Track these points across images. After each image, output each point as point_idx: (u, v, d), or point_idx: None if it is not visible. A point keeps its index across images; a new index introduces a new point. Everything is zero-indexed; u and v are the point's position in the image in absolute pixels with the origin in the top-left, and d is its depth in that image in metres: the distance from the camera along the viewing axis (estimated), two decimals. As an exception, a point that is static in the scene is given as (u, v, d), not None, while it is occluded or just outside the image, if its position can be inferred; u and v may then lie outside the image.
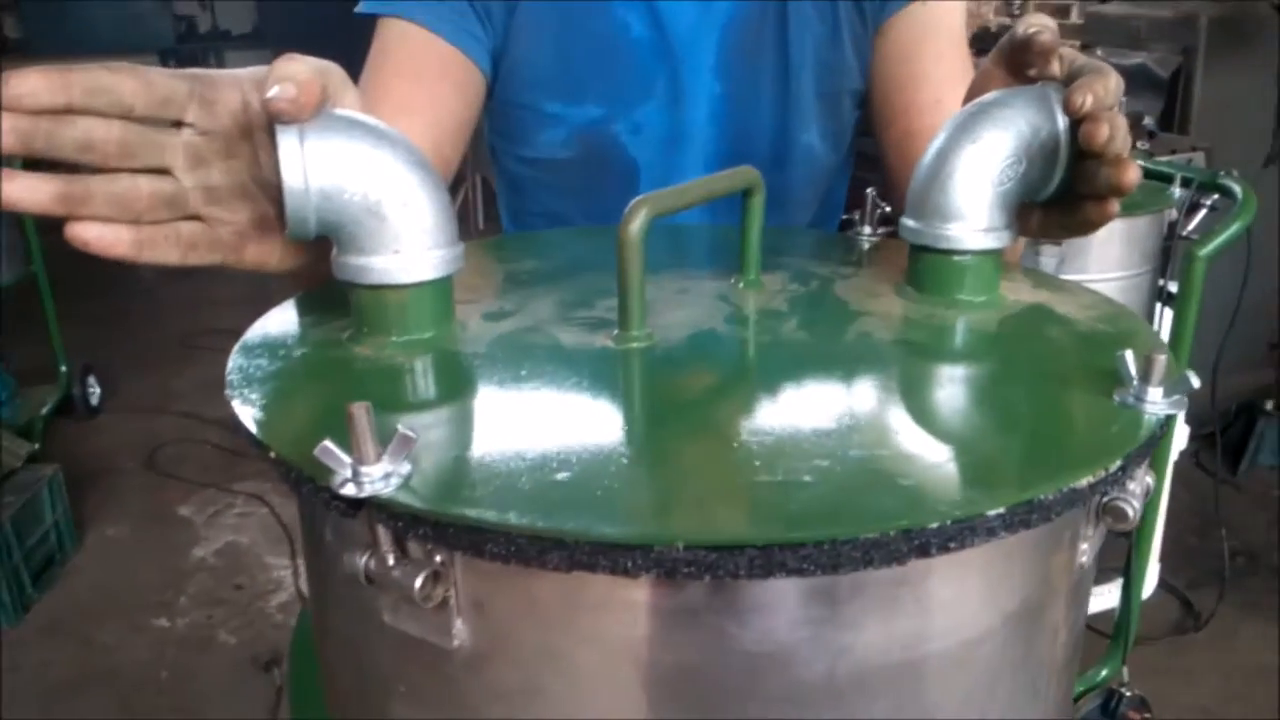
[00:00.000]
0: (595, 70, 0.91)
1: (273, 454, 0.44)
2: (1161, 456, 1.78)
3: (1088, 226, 0.60)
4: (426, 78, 0.86)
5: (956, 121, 0.59)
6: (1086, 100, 0.55)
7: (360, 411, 0.40)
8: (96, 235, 0.50)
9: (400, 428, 0.40)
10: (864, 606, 0.42)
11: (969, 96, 0.65)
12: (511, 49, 0.90)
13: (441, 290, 0.55)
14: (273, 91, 0.50)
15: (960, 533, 0.38)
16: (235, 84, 0.54)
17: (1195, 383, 0.47)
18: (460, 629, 0.43)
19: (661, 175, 0.93)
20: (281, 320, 0.59)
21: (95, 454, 3.12)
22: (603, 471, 0.41)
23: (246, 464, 3.03)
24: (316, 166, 0.50)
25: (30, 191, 0.48)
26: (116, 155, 0.50)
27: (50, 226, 0.53)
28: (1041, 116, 0.58)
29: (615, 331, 0.55)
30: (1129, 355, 0.48)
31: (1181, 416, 1.87)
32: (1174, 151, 2.32)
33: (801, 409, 0.48)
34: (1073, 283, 0.66)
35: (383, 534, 0.42)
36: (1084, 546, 0.49)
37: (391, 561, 0.42)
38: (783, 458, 0.42)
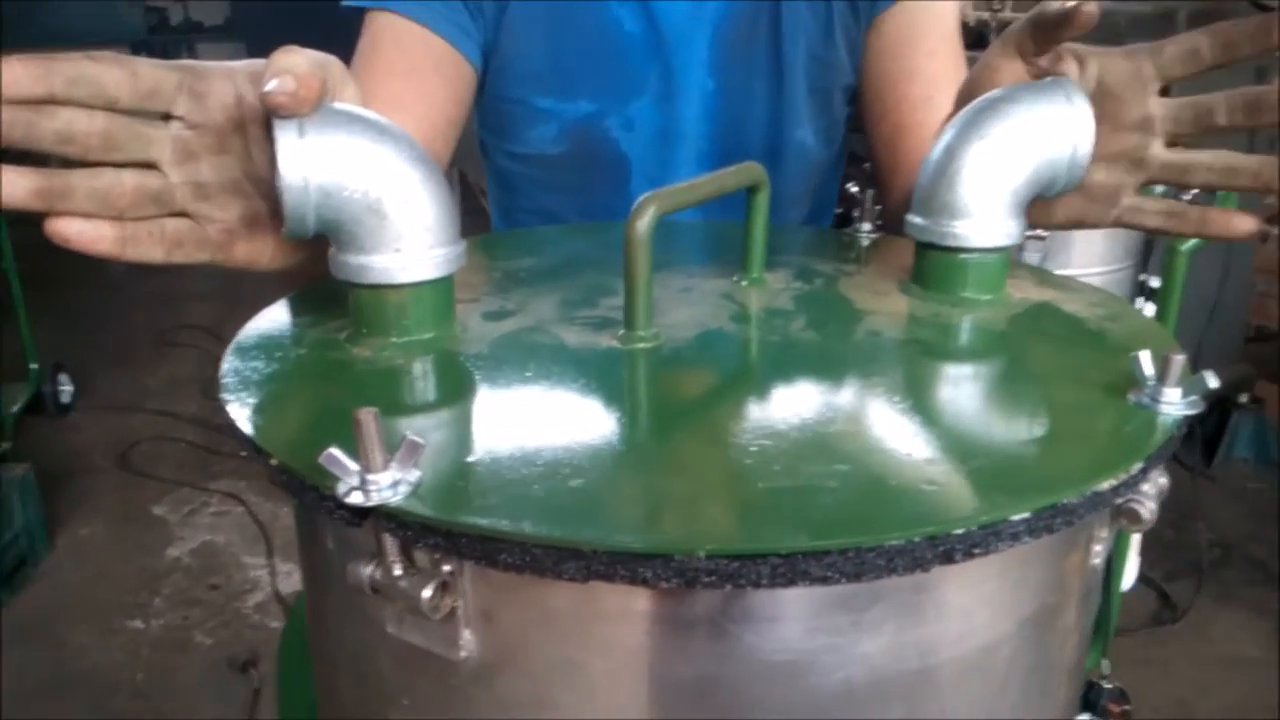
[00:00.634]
0: (587, 66, 0.89)
1: (273, 461, 0.43)
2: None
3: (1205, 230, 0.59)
4: (418, 73, 0.85)
5: (966, 117, 0.59)
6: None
7: (368, 417, 0.39)
8: (78, 232, 0.48)
9: (408, 434, 0.39)
10: (882, 614, 0.41)
11: (966, 91, 0.65)
12: (503, 44, 0.89)
13: (443, 290, 0.54)
14: (271, 85, 0.48)
15: (985, 538, 0.38)
16: (228, 76, 0.52)
17: (1213, 383, 0.46)
18: (468, 640, 0.42)
19: (654, 171, 0.92)
20: (275, 321, 0.58)
21: (67, 453, 3.07)
22: (618, 478, 0.40)
23: (222, 462, 3.00)
24: (316, 163, 0.49)
25: (8, 185, 0.46)
26: (99, 148, 0.48)
27: (20, 221, 0.51)
28: (1053, 110, 0.57)
29: (621, 331, 0.54)
30: (1145, 356, 0.47)
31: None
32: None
33: (817, 411, 0.47)
34: (1074, 279, 0.65)
35: (389, 544, 0.41)
36: (1097, 548, 0.49)
37: (398, 571, 0.41)
38: (802, 462, 0.41)
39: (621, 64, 0.89)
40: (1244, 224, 0.58)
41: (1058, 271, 1.74)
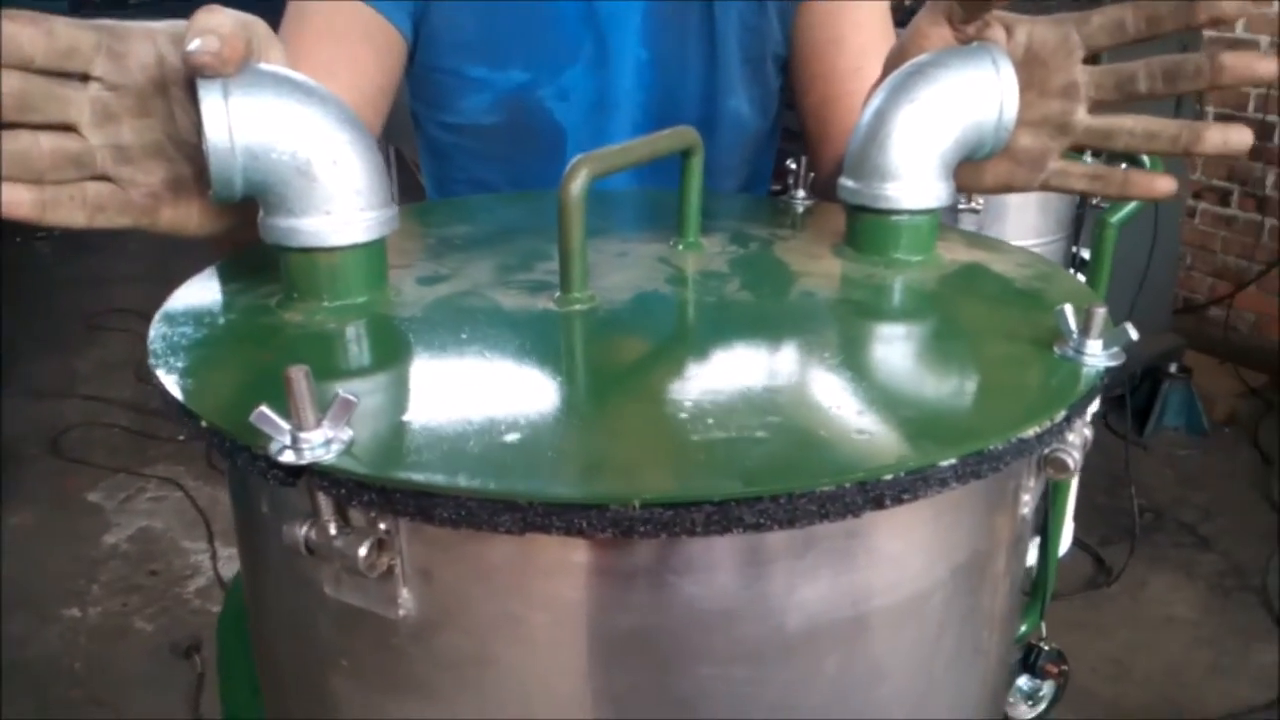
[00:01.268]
0: (520, 35, 0.89)
1: (203, 423, 0.42)
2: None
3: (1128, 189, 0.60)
4: (346, 41, 0.83)
5: (894, 82, 0.59)
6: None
7: (299, 375, 0.38)
8: None
9: (340, 392, 0.39)
10: (816, 561, 0.41)
11: (894, 57, 0.65)
12: (433, 12, 0.88)
13: (375, 253, 0.54)
14: (194, 45, 0.47)
15: (914, 483, 0.39)
16: (148, 36, 0.51)
17: (1133, 334, 0.48)
18: (406, 598, 0.42)
19: (588, 141, 0.91)
20: (204, 288, 0.57)
21: (-6, 440, 3.00)
22: (553, 433, 0.40)
23: (158, 446, 2.94)
24: (242, 124, 0.48)
25: None
26: (15, 109, 0.47)
27: None
28: (980, 75, 0.58)
29: (557, 294, 0.54)
30: (1069, 309, 0.48)
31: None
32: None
33: (750, 368, 0.47)
34: (1004, 242, 0.66)
35: (324, 502, 0.40)
36: (1026, 498, 0.50)
37: (333, 531, 0.41)
38: (735, 416, 0.41)
39: (554, 33, 0.89)
40: (1165, 184, 0.59)
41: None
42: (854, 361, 0.48)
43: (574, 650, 0.42)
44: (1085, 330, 0.48)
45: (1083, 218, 1.79)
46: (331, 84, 0.81)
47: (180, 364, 0.47)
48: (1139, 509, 2.45)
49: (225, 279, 0.58)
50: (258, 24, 0.52)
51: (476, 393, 0.45)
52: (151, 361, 0.48)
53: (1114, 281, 1.76)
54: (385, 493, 0.38)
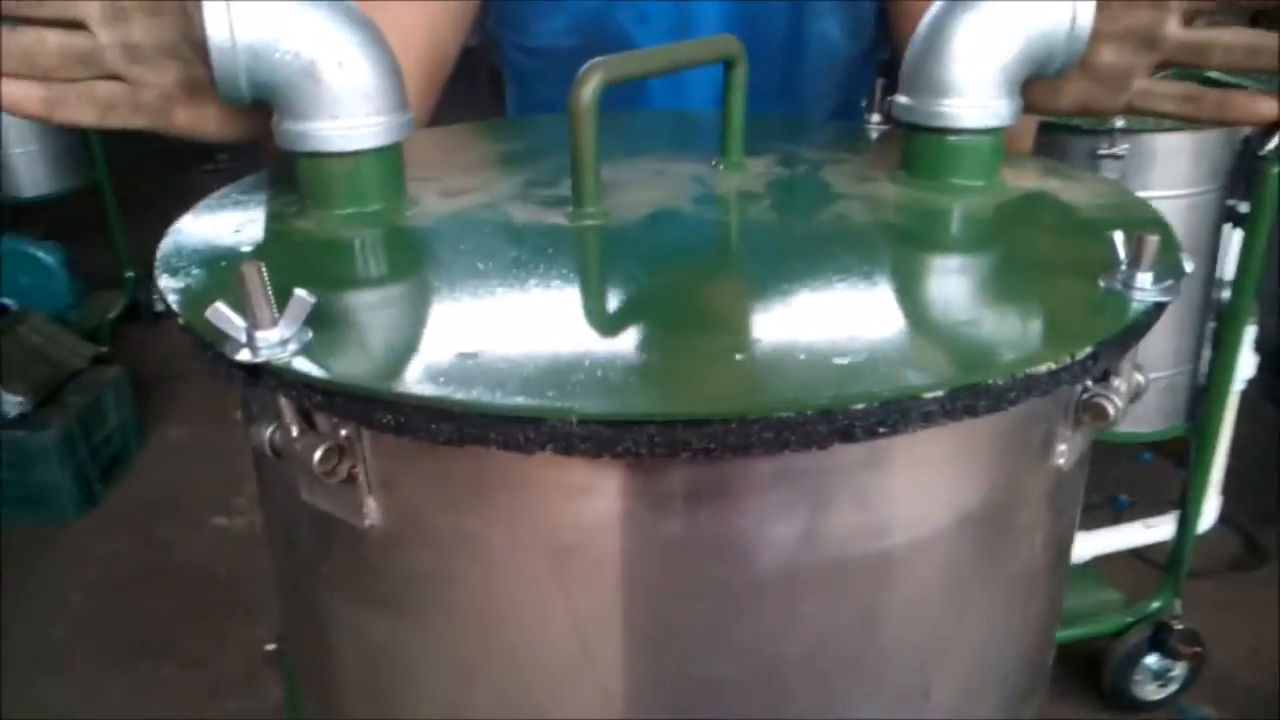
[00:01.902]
0: None
1: (180, 321, 0.42)
2: (1223, 384, 1.69)
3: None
4: None
5: (957, -14, 0.54)
6: None
7: (252, 271, 0.37)
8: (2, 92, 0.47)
9: (297, 291, 0.38)
10: (790, 497, 0.38)
11: None
12: None
13: (387, 160, 0.52)
14: None
15: (889, 415, 0.35)
16: None
17: (1189, 267, 0.42)
18: (371, 507, 0.41)
19: None
20: (236, 194, 0.57)
21: (160, 359, 3.19)
22: (509, 346, 0.38)
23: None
24: (244, 21, 0.47)
25: None
26: (19, 4, 0.47)
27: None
28: None
29: (570, 209, 0.51)
30: (1119, 236, 0.43)
31: (1249, 345, 1.77)
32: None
33: (742, 290, 0.44)
34: (1088, 174, 0.60)
35: (285, 405, 0.40)
36: (1061, 448, 0.45)
37: (295, 433, 0.40)
38: (709, 336, 0.39)
39: None
40: (1268, 106, 0.52)
41: (1136, 193, 1.63)
42: (864, 287, 0.44)
43: (532, 572, 0.40)
44: (1135, 261, 0.42)
45: (1245, 167, 1.63)
46: (405, 9, 0.81)
47: (183, 267, 0.47)
48: (1301, 488, 2.27)
49: (259, 187, 0.58)
50: None
51: (451, 304, 0.43)
52: (157, 264, 0.48)
53: (1274, 238, 1.61)
54: (330, 395, 0.37)
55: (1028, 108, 0.57)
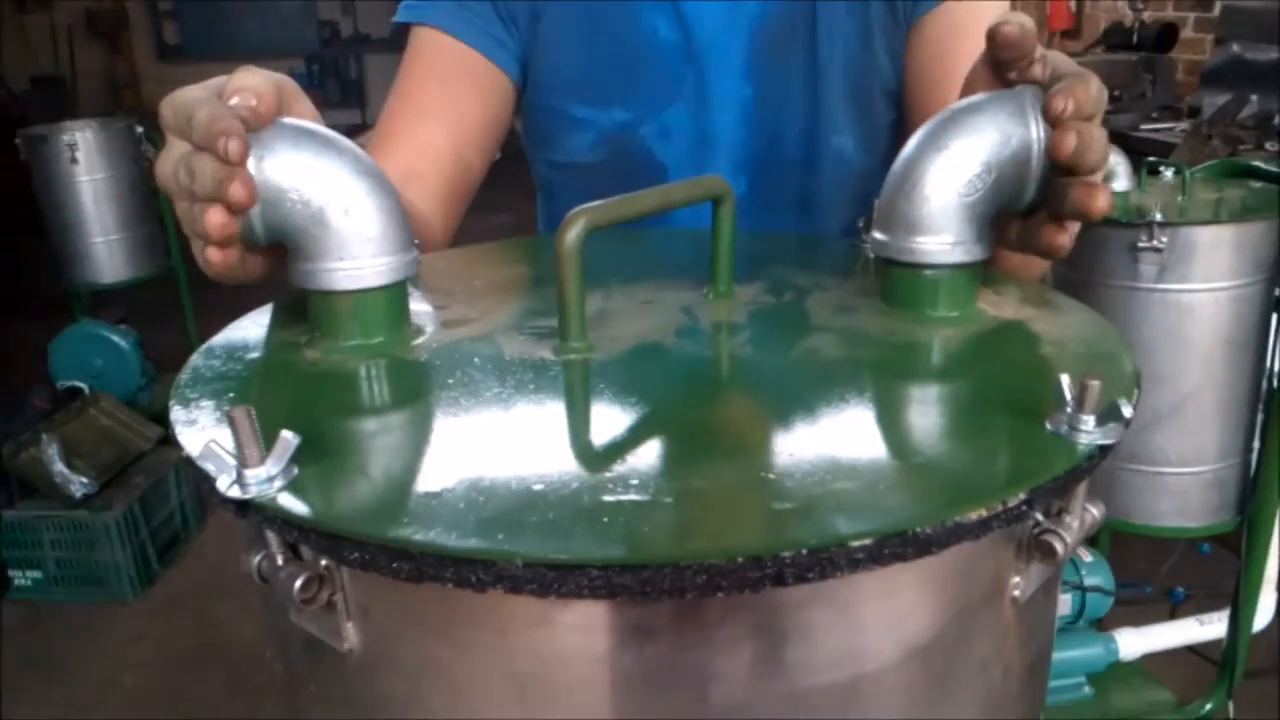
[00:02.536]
0: (621, 74, 0.91)
1: (183, 454, 0.46)
2: (1272, 477, 1.66)
3: (1045, 252, 0.57)
4: (450, 83, 0.88)
5: (927, 129, 0.57)
6: (1068, 106, 0.52)
7: (242, 415, 0.41)
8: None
9: (284, 433, 0.41)
10: (733, 633, 0.40)
11: (964, 94, 0.62)
12: (538, 53, 0.91)
13: (391, 296, 0.56)
14: (234, 101, 0.52)
15: (817, 564, 0.37)
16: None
17: (1127, 413, 0.43)
18: (350, 633, 0.44)
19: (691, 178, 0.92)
20: (255, 323, 0.62)
21: (223, 439, 3.29)
22: (470, 486, 0.41)
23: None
24: (261, 173, 0.52)
25: None
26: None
27: None
28: (1014, 122, 0.55)
29: (557, 343, 0.55)
30: (1065, 379, 0.45)
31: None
32: (1309, 153, 2.14)
33: (697, 430, 0.46)
34: (1070, 301, 0.62)
35: (270, 536, 0.43)
36: (1016, 580, 0.46)
37: (280, 562, 0.43)
38: (655, 478, 0.41)
39: (656, 71, 0.90)
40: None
41: (1176, 287, 1.63)
42: (815, 427, 0.46)
43: (498, 699, 0.42)
44: (1080, 404, 0.44)
45: (1288, 259, 1.62)
46: (434, 123, 0.86)
47: (193, 396, 0.51)
48: (1368, 586, 2.18)
49: (281, 311, 0.62)
50: (287, 82, 0.56)
51: (429, 440, 0.46)
52: (173, 392, 0.52)
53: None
54: (305, 532, 0.40)
55: (1003, 242, 0.59)
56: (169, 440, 2.86)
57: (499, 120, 0.92)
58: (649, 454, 0.43)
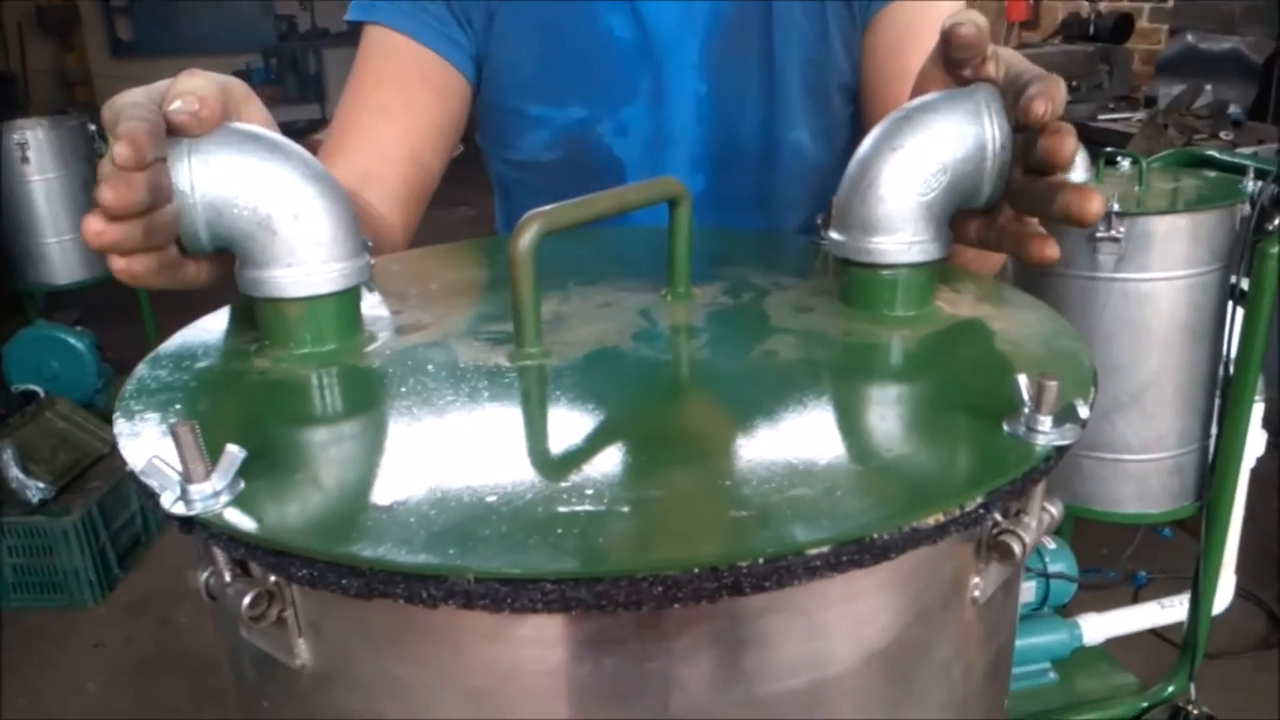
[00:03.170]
0: (578, 72, 0.90)
1: (127, 469, 0.45)
2: (1230, 462, 1.68)
3: (1033, 262, 0.57)
4: (405, 84, 0.87)
5: (882, 128, 0.56)
6: (1049, 108, 0.51)
7: (185, 430, 0.40)
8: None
9: (229, 446, 0.40)
10: (693, 642, 0.40)
11: (911, 98, 0.62)
12: (493, 52, 0.90)
13: (342, 303, 0.55)
14: (174, 105, 0.50)
15: (774, 572, 0.36)
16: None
17: (1083, 413, 0.43)
18: (302, 648, 0.43)
19: (648, 176, 0.91)
20: (203, 330, 0.60)
21: (184, 441, 3.24)
22: (426, 497, 0.41)
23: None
24: (203, 179, 0.51)
25: None
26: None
27: None
28: (970, 121, 0.54)
29: (512, 348, 0.54)
30: (1023, 380, 0.45)
31: (1258, 421, 1.77)
32: (1261, 141, 2.18)
33: (652, 436, 0.46)
34: (1027, 298, 0.62)
35: (217, 552, 0.42)
36: (975, 580, 0.46)
37: (228, 579, 0.42)
38: (609, 487, 0.40)
39: (612, 69, 0.89)
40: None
41: (1135, 276, 1.65)
42: (771, 432, 0.46)
43: (453, 712, 0.42)
44: (1037, 404, 0.44)
45: (1243, 247, 1.64)
46: (389, 125, 0.85)
47: (138, 408, 0.50)
48: (1324, 567, 2.23)
49: (231, 317, 0.61)
50: (235, 84, 0.54)
51: (380, 451, 0.45)
52: (118, 402, 0.51)
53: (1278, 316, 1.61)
54: (252, 548, 0.39)
55: (962, 239, 0.59)
56: (128, 443, 2.82)
57: (455, 121, 0.91)
58: (605, 462, 0.43)
